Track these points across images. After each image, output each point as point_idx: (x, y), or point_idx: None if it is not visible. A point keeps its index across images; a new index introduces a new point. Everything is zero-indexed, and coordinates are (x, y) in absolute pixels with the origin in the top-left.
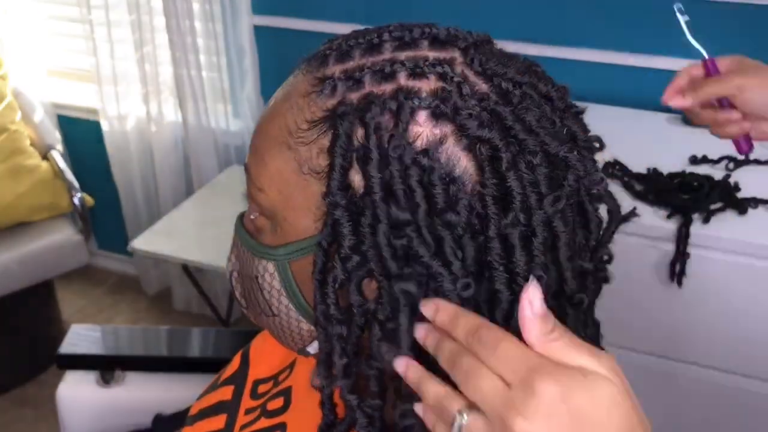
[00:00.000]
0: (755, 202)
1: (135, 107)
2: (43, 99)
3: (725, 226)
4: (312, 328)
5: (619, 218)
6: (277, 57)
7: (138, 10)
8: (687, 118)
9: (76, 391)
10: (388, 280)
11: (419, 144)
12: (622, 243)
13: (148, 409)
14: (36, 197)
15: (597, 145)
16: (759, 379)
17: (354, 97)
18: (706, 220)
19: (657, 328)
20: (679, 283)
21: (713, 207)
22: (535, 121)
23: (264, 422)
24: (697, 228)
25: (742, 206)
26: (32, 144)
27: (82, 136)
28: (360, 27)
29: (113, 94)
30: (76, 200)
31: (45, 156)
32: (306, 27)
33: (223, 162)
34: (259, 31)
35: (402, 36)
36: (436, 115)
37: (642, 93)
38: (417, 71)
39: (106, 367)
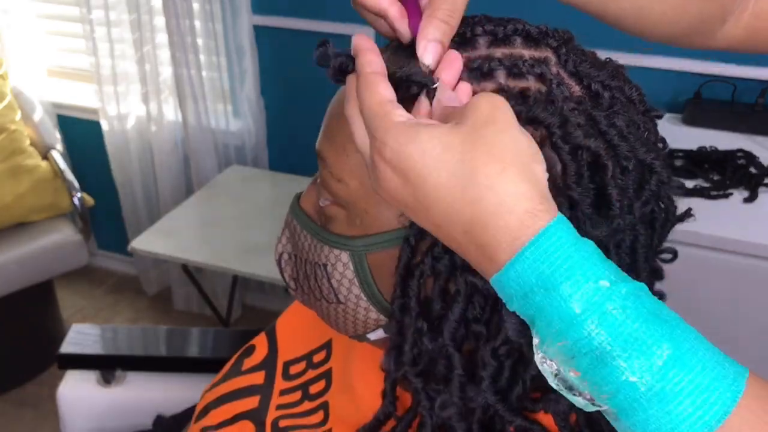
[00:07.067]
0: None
1: (135, 107)
2: (43, 99)
3: (708, 224)
4: (379, 316)
5: (675, 218)
6: (277, 57)
7: (138, 9)
8: (687, 118)
9: (76, 391)
10: (466, 275)
11: None
12: None
13: (148, 408)
14: (36, 197)
15: (661, 146)
16: None
17: None
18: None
19: None
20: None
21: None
22: (625, 126)
23: (308, 405)
24: (686, 225)
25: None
26: (32, 144)
27: (82, 136)
28: (361, 27)
29: (113, 94)
30: (76, 200)
31: (45, 156)
32: (306, 27)
33: (223, 162)
34: (259, 31)
35: (495, 31)
36: (539, 119)
37: None
38: (515, 71)
39: (107, 366)
